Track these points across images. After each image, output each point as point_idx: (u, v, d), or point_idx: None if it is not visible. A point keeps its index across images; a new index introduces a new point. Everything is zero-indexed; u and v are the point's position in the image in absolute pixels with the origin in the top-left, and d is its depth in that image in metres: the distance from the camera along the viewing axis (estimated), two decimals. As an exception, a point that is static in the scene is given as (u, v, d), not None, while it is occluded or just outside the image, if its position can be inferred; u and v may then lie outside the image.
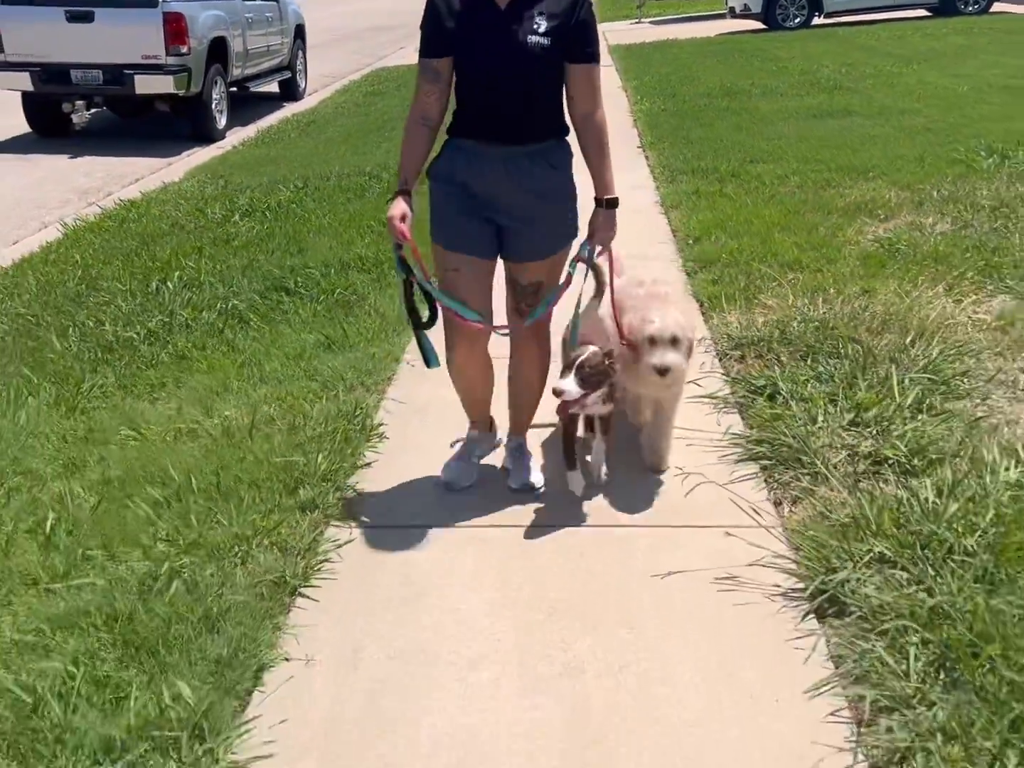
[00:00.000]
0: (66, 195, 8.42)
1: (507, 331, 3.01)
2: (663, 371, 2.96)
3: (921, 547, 2.65)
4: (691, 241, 5.60)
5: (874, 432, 3.30)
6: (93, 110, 10.63)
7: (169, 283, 5.20)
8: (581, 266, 2.95)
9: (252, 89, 11.94)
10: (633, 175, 7.33)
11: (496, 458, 3.39)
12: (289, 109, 12.42)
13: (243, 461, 3.24)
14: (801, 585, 2.65)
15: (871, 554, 2.65)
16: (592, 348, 2.90)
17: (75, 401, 3.89)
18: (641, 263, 5.27)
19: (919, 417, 3.37)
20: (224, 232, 6.27)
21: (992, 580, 2.50)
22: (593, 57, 2.82)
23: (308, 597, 2.69)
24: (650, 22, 21.95)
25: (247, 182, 7.71)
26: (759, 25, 18.32)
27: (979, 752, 2.02)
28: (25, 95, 10.20)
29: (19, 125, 10.86)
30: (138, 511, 3.00)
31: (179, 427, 3.56)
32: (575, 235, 2.97)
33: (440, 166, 2.91)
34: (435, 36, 2.80)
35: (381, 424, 3.61)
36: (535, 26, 2.72)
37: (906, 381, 3.58)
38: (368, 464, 3.37)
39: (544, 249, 2.94)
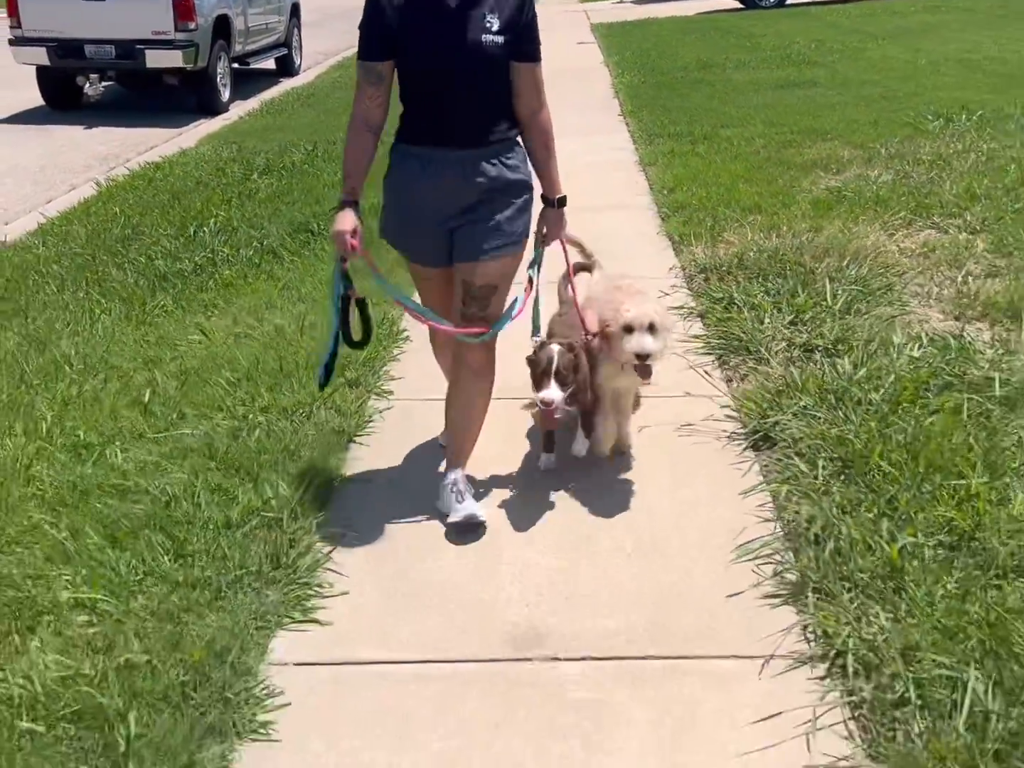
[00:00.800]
0: (87, 161, 9.08)
1: (476, 336, 2.90)
2: (642, 356, 2.96)
3: (836, 399, 3.45)
4: (665, 192, 6.37)
5: (809, 328, 4.09)
6: (105, 83, 11.27)
7: (205, 228, 5.93)
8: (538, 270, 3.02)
9: (252, 65, 12.59)
10: (615, 138, 8.11)
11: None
12: (287, 84, 13.07)
13: (297, 353, 4.00)
14: (743, 429, 3.45)
15: (797, 406, 3.45)
16: (555, 348, 2.95)
17: (142, 317, 4.63)
18: (623, 212, 6.09)
19: (846, 317, 4.16)
20: (246, 188, 6.99)
21: (886, 419, 3.30)
22: (537, 55, 2.82)
23: (361, 444, 3.46)
24: (632, 1, 22.65)
25: (259, 147, 8.42)
26: (736, 4, 19.07)
27: (863, 521, 2.82)
28: (40, 69, 10.83)
29: (30, 99, 11.47)
30: (216, 388, 3.76)
31: (237, 332, 4.31)
32: (528, 235, 2.95)
33: (394, 178, 2.88)
34: (379, 37, 2.72)
35: (404, 329, 4.37)
36: (488, 24, 2.69)
37: (839, 292, 4.37)
38: (396, 358, 4.14)
39: (496, 249, 2.86)
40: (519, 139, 2.89)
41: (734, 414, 3.55)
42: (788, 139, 7.60)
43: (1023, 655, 2.25)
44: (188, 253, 5.52)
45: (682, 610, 2.58)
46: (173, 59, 10.36)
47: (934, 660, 2.25)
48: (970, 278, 4.52)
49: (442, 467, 3.15)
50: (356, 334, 2.91)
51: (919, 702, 2.17)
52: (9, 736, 2.14)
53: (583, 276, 3.40)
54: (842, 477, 3.04)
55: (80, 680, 2.26)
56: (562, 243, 3.05)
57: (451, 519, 2.95)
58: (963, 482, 2.87)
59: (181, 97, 11.30)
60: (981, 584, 2.49)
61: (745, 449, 3.34)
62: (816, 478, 3.04)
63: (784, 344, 3.98)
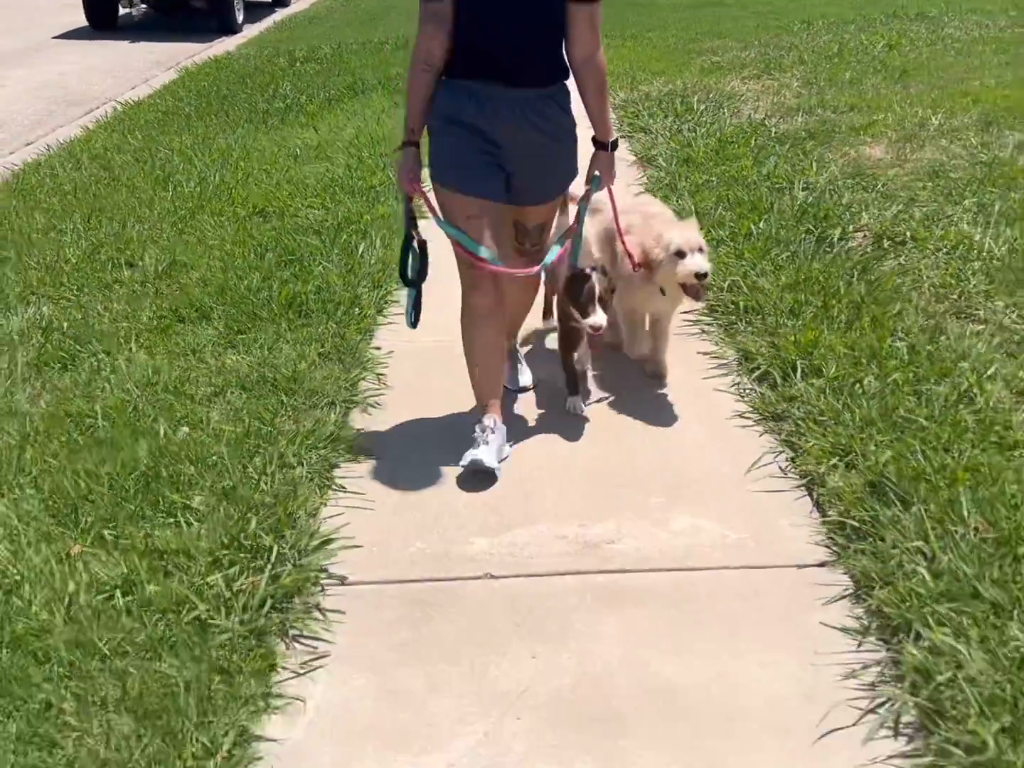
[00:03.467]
0: (147, 63, 11.64)
1: (527, 273, 2.98)
2: (702, 275, 3.11)
3: (687, 141, 6.34)
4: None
5: (681, 122, 6.98)
6: (142, 6, 13.76)
7: (281, 89, 8.66)
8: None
9: (255, -6, 15.15)
10: (564, 39, 10.98)
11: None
12: (283, 12, 15.61)
13: (372, 138, 6.79)
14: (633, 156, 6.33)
15: (661, 128, 6.33)
16: (592, 273, 3.04)
17: (264, 130, 7.38)
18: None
19: (704, 116, 7.06)
20: (295, 70, 9.69)
21: (724, 144, 6.20)
22: None
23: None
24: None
25: (291, 47, 11.09)
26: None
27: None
28: (86, -6, 13.29)
29: (70, 23, 13.88)
30: (336, 150, 6.54)
31: (338, 128, 7.10)
32: (576, 174, 3.02)
33: (445, 107, 2.81)
34: None
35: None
36: None
37: (703, 108, 7.27)
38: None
39: (554, 192, 3.00)
40: (567, 82, 2.86)
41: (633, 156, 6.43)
42: (693, 38, 10.50)
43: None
44: (276, 100, 8.24)
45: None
46: (203, -16, 12.88)
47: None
48: (784, 97, 7.46)
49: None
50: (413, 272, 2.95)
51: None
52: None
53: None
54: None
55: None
56: (610, 191, 3.06)
57: (505, 384, 3.30)
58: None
59: (202, 19, 13.79)
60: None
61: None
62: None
63: (667, 129, 6.86)
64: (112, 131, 7.58)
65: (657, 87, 8.09)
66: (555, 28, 2.78)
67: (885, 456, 2.78)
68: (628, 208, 3.41)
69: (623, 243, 3.24)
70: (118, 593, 2.44)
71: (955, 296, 3.88)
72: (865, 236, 4.56)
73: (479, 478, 2.96)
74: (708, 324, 3.92)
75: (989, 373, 3.24)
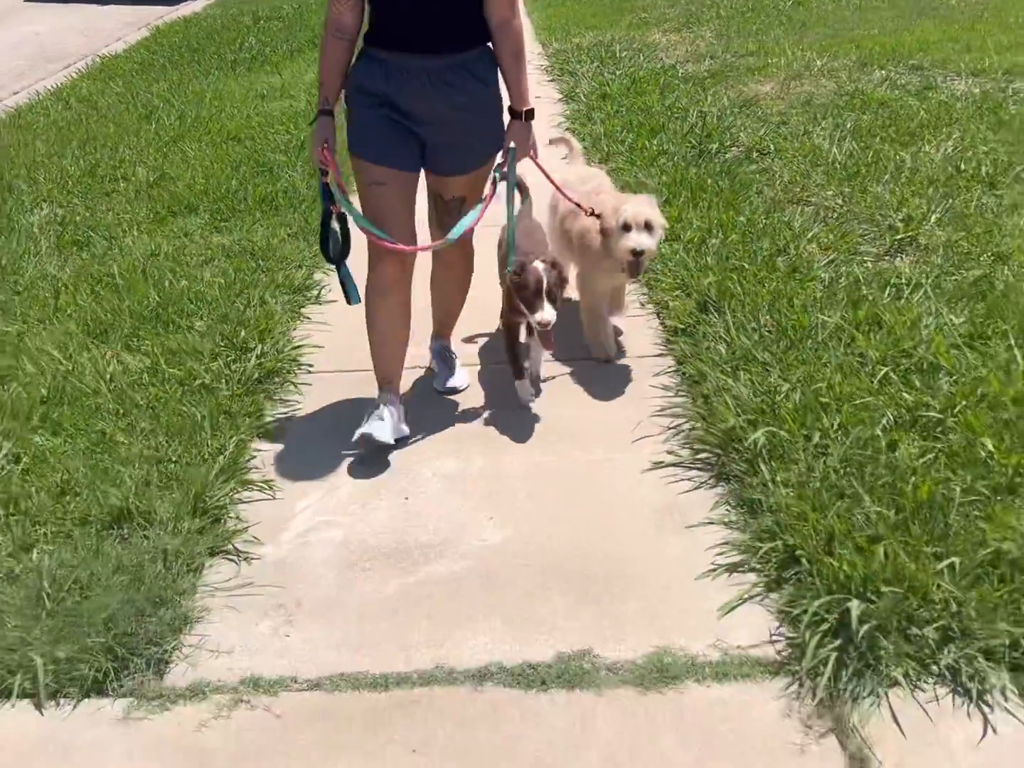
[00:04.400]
0: (118, 24, 12.38)
1: (430, 249, 2.95)
2: (637, 252, 3.14)
3: (611, 73, 7.32)
4: (542, 26, 10.17)
5: (606, 68, 7.94)
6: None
7: (246, 43, 9.51)
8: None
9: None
10: None
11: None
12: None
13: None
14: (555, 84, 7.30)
15: (589, 70, 7.30)
16: (540, 265, 2.96)
17: (233, 76, 8.25)
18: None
19: (623, 61, 8.02)
20: (259, 27, 10.53)
21: (636, 80, 7.18)
22: None
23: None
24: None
25: (255, 7, 11.89)
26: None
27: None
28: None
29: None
30: (299, 91, 7.44)
31: (293, 78, 7.99)
32: (500, 148, 2.89)
33: (358, 77, 2.78)
34: None
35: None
36: None
37: (625, 55, 8.24)
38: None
39: (470, 164, 2.89)
40: (489, 48, 2.80)
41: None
42: (626, 3, 11.46)
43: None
44: (243, 54, 9.10)
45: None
46: (168, -50, 13.59)
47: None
48: (697, 46, 8.45)
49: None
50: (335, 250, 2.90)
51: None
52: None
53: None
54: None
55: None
56: (535, 160, 2.97)
57: (436, 385, 3.36)
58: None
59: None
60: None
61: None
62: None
63: (590, 72, 7.81)
64: (94, 80, 8.42)
65: (588, 39, 9.05)
66: None
67: (709, 280, 3.79)
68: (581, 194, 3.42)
69: (567, 196, 3.27)
70: (145, 375, 3.40)
71: (798, 189, 4.89)
72: (739, 149, 5.56)
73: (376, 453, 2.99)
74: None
75: (807, 236, 4.25)
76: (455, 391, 3.35)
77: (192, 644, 2.32)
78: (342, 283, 2.96)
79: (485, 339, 3.75)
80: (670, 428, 3.12)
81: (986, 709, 2.06)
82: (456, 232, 2.86)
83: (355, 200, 2.93)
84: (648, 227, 3.18)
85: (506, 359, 3.29)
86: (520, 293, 2.99)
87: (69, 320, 3.85)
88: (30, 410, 3.19)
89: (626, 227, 3.18)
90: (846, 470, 2.66)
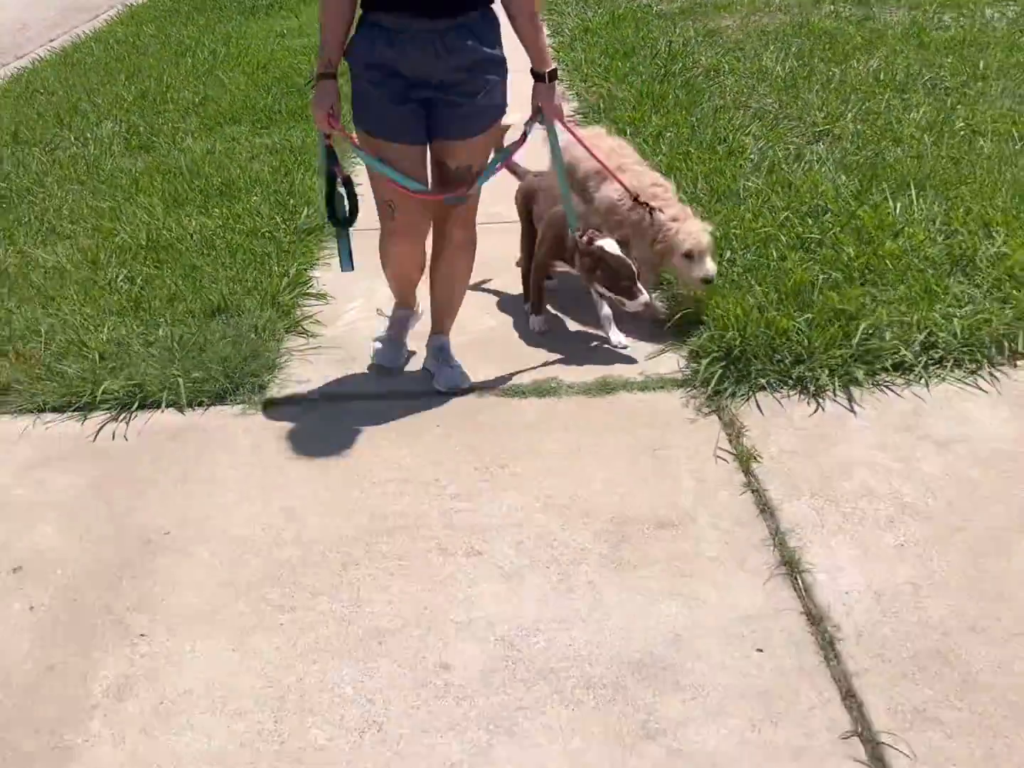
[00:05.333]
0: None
1: (453, 198, 2.92)
2: (708, 280, 3.41)
3: None
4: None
5: (589, 9, 8.88)
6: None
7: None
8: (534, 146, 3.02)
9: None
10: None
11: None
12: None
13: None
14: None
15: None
16: (616, 247, 3.21)
17: (253, 20, 9.20)
18: None
19: (603, 4, 8.96)
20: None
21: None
22: None
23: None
24: None
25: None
26: None
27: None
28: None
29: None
30: (312, 31, 8.39)
31: (314, 18, 8.94)
32: (505, 111, 2.92)
33: (359, 49, 2.75)
34: None
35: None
36: None
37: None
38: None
39: (475, 128, 2.86)
40: (491, 11, 2.77)
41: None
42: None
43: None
44: (260, 0, 10.03)
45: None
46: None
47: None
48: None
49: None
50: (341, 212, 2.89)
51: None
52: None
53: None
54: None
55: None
56: (562, 122, 2.97)
57: (437, 385, 3.21)
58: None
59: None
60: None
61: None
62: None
63: (575, 11, 8.76)
64: (127, 25, 9.37)
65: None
66: None
67: (659, 159, 4.80)
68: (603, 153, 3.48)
69: (619, 180, 3.37)
70: (219, 230, 4.43)
71: (743, 98, 5.89)
72: (699, 69, 6.55)
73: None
74: (582, 116, 5.89)
75: (744, 130, 5.26)
76: (459, 389, 3.23)
77: (281, 378, 3.37)
78: (345, 251, 3.00)
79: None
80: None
81: (819, 400, 3.11)
82: (481, 181, 2.95)
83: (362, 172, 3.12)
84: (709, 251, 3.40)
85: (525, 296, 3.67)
86: (611, 281, 3.24)
87: (150, 197, 4.87)
88: (136, 251, 4.23)
89: (688, 255, 3.38)
90: (746, 273, 3.69)
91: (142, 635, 2.34)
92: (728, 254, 3.82)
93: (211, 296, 3.76)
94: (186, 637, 2.32)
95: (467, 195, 2.96)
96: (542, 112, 2.92)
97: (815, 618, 2.28)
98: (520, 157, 3.26)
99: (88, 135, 5.94)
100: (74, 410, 3.26)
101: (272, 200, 4.68)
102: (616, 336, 3.43)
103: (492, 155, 3.05)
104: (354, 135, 2.89)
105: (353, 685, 2.16)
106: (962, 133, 4.94)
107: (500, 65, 2.86)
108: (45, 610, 2.44)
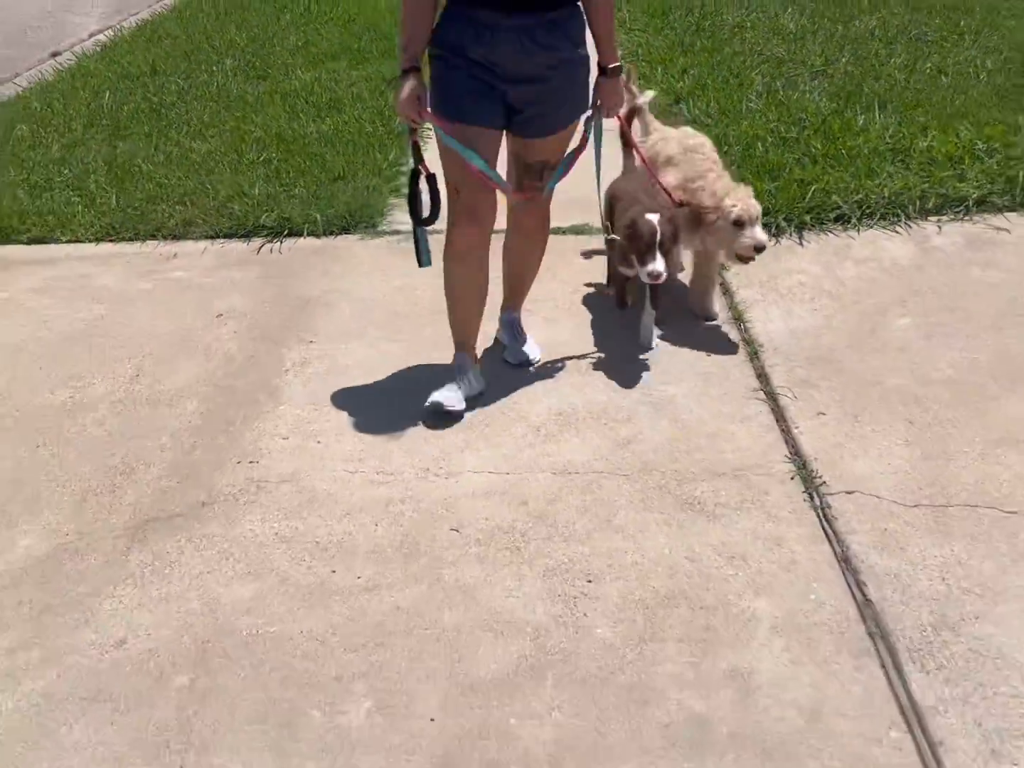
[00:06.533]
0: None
1: (528, 198, 3.02)
2: (760, 248, 3.31)
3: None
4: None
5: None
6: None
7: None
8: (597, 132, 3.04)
9: None
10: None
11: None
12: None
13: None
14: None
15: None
16: (654, 217, 3.10)
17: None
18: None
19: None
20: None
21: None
22: None
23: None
24: None
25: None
26: None
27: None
28: None
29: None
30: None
31: None
32: (587, 109, 2.97)
33: (446, 37, 2.77)
34: None
35: None
36: None
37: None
38: None
39: (557, 126, 2.93)
40: (579, 8, 2.81)
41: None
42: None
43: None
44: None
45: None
46: None
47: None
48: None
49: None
50: (425, 209, 2.91)
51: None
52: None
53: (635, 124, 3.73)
54: None
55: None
56: (620, 120, 3.06)
57: (508, 358, 3.40)
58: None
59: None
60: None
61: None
62: None
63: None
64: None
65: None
66: None
67: (682, 85, 6.05)
68: (665, 137, 3.70)
69: (656, 181, 3.36)
70: (331, 132, 5.76)
71: (759, 47, 7.11)
72: (725, 26, 7.77)
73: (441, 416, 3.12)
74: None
75: (755, 69, 6.49)
76: (529, 364, 3.39)
77: (388, 220, 4.69)
78: (416, 243, 2.99)
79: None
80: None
81: (778, 239, 4.35)
82: (552, 184, 3.01)
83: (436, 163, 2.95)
84: (759, 220, 3.29)
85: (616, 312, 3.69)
86: (634, 244, 3.14)
87: (274, 109, 6.23)
88: (268, 142, 5.59)
89: (739, 223, 3.28)
90: (737, 160, 4.94)
91: (311, 341, 3.68)
92: (725, 148, 5.06)
93: (333, 169, 5.10)
94: (340, 342, 3.65)
95: (537, 196, 3.05)
96: (601, 108, 2.96)
97: (748, 343, 3.54)
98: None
99: (214, 68, 7.32)
100: (240, 236, 4.61)
101: (371, 111, 6.01)
102: (646, 334, 3.47)
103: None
104: (437, 119, 2.84)
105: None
106: (929, 73, 6.13)
107: (586, 63, 2.90)
108: (244, 331, 3.79)
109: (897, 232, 4.33)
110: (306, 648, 2.33)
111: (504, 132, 2.94)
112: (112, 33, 8.96)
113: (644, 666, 2.24)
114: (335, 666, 2.28)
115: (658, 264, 3.06)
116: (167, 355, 3.67)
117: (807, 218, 4.39)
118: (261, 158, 5.38)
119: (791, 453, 2.94)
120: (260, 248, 4.51)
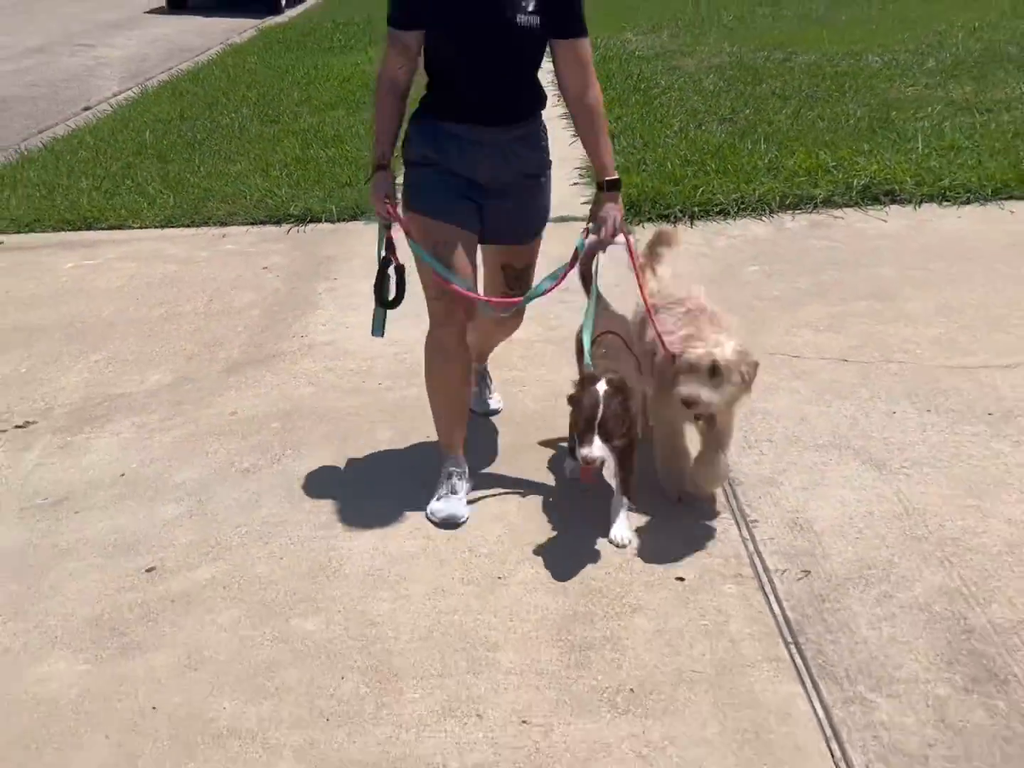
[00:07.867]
0: (223, 30, 16.58)
1: (502, 312, 3.05)
2: (689, 403, 2.71)
3: None
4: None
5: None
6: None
7: (335, 38, 13.69)
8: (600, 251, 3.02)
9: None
10: None
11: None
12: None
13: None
14: None
15: None
16: (601, 391, 2.67)
17: (332, 55, 12.40)
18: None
19: (604, 48, 12.12)
20: (340, 29, 14.72)
21: None
22: (582, 31, 2.77)
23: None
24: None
25: (331, 18, 16.13)
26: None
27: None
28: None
29: (150, 3, 18.80)
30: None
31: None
32: (548, 213, 3.12)
33: (422, 151, 2.89)
34: (410, 6, 2.76)
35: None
36: (523, 3, 2.69)
37: (600, 43, 12.36)
38: None
39: (534, 229, 3.10)
40: (541, 114, 2.94)
41: None
42: None
43: None
44: (334, 43, 13.23)
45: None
46: (259, -26, 17.88)
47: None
48: (655, 40, 12.55)
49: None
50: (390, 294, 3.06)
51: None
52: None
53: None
54: None
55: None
56: (627, 238, 2.96)
57: (472, 407, 3.50)
58: None
59: (253, 3, 18.70)
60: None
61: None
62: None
63: None
64: (234, 56, 12.60)
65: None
66: (531, 63, 2.84)
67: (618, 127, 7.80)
68: (680, 299, 3.06)
69: (650, 317, 2.94)
70: (339, 156, 7.44)
71: (682, 102, 8.90)
72: (657, 88, 9.59)
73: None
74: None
75: (673, 116, 8.25)
76: (495, 412, 3.68)
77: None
78: (374, 316, 3.11)
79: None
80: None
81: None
82: (532, 295, 3.00)
83: (412, 265, 3.02)
84: (715, 372, 2.69)
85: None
86: (572, 417, 2.82)
87: (288, 142, 7.90)
88: (290, 163, 7.24)
89: (687, 369, 2.72)
90: (646, 174, 6.63)
91: (335, 279, 5.27)
92: (643, 168, 6.75)
93: (341, 178, 6.75)
94: (355, 280, 5.23)
95: (514, 308, 3.06)
96: (597, 225, 2.91)
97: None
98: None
99: (233, 115, 9.03)
100: (273, 223, 6.22)
101: (369, 143, 7.68)
102: (619, 530, 2.94)
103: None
104: (409, 226, 2.93)
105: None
106: (810, 119, 7.93)
107: (548, 167, 3.08)
108: (285, 276, 5.37)
109: (762, 220, 6.00)
110: (351, 413, 3.87)
111: (479, 239, 3.01)
112: (138, 89, 10.68)
113: None
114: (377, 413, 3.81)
115: (593, 449, 2.65)
116: (231, 290, 5.23)
117: (696, 210, 6.06)
118: (284, 173, 7.02)
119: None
120: (289, 230, 6.11)
